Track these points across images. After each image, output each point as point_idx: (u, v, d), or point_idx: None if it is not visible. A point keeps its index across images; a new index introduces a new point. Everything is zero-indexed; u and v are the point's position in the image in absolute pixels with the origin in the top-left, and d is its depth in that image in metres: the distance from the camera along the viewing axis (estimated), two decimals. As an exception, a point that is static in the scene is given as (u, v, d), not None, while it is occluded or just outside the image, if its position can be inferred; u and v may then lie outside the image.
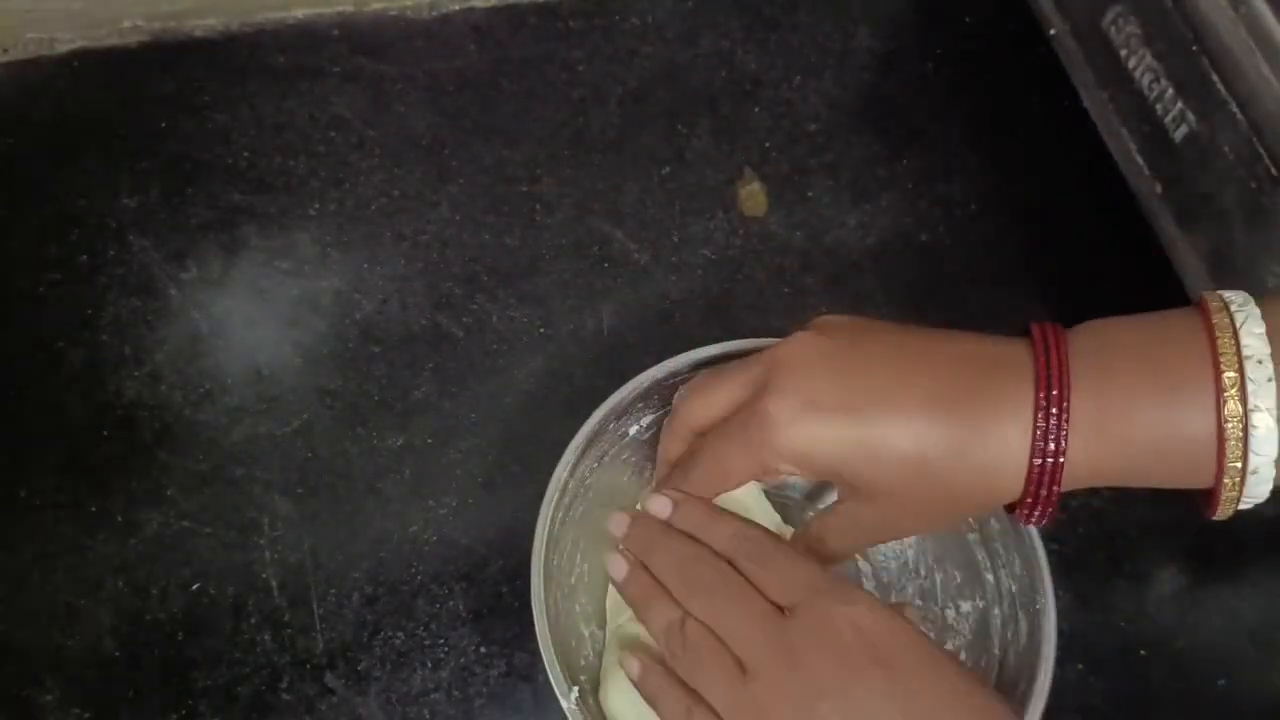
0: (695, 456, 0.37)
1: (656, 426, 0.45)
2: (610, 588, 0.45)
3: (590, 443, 0.42)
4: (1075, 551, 0.50)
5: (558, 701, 0.38)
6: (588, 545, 0.45)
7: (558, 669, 0.37)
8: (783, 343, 0.35)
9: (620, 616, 0.44)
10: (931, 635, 0.45)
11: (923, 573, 0.46)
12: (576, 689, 0.38)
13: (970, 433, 0.31)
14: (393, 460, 0.49)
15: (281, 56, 0.58)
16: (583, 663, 0.43)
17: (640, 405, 0.43)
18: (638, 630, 0.43)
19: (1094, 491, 0.51)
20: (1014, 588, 0.41)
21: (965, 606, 0.44)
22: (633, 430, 0.44)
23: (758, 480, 0.37)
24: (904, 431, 0.32)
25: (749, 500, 0.47)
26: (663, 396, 0.44)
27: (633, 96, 0.59)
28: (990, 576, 0.43)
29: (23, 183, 0.54)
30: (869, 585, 0.47)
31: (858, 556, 0.47)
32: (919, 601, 0.45)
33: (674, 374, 0.42)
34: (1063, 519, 0.50)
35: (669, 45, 0.61)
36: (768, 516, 0.47)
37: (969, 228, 0.57)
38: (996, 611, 0.42)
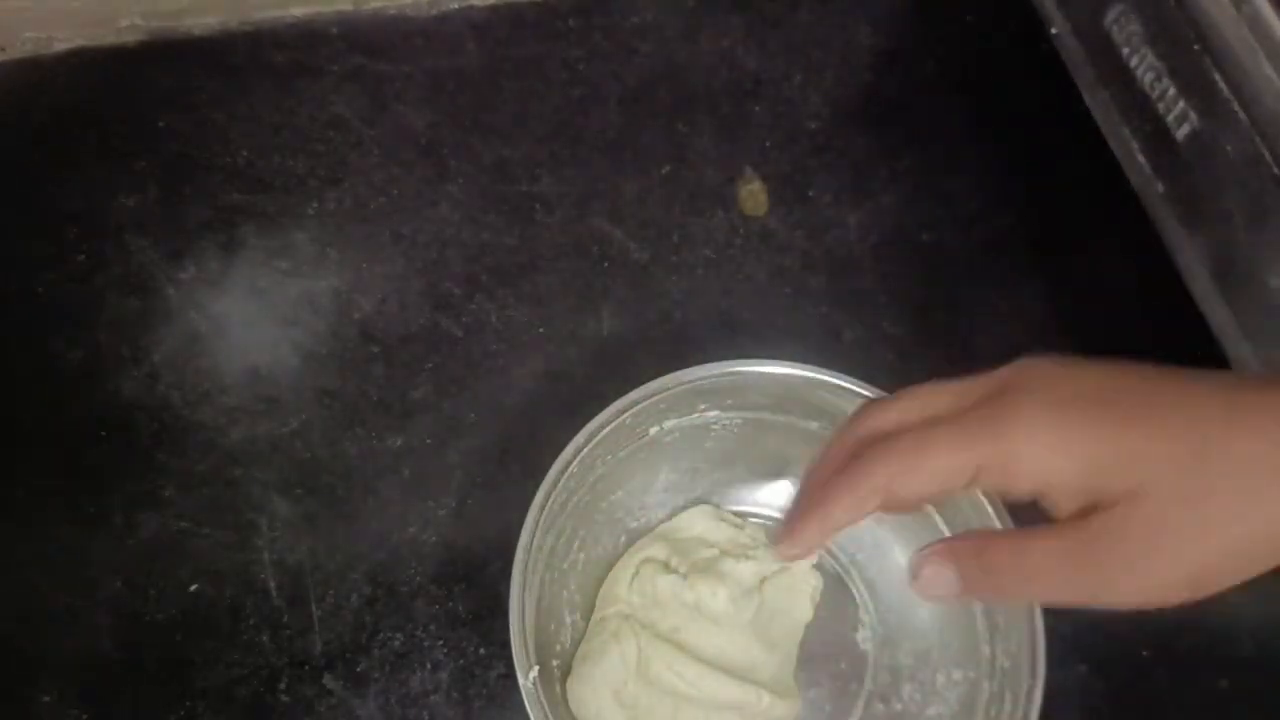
0: (883, 445, 0.31)
1: (679, 431, 0.45)
2: (606, 579, 0.45)
3: (604, 432, 0.41)
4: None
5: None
6: (587, 535, 0.45)
7: (521, 645, 0.37)
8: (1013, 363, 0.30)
9: (607, 608, 0.44)
10: (919, 697, 0.44)
11: (922, 632, 0.45)
12: (537, 669, 0.38)
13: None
14: (392, 461, 0.49)
15: (280, 55, 0.58)
16: (558, 648, 0.43)
17: (665, 407, 0.43)
18: (621, 623, 0.43)
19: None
20: (1007, 664, 0.40)
21: (956, 675, 0.43)
22: (653, 430, 0.44)
23: (952, 493, 0.31)
24: (1189, 429, 0.26)
25: (700, 521, 0.47)
26: (689, 402, 0.43)
27: (633, 96, 0.59)
28: (987, 649, 0.42)
29: (20, 182, 0.54)
30: (866, 632, 0.46)
31: (863, 589, 0.47)
32: (910, 660, 0.45)
33: (707, 379, 0.42)
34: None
35: (669, 45, 0.61)
36: (725, 535, 0.47)
37: (970, 227, 0.57)
38: (986, 685, 0.41)
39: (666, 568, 0.45)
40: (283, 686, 0.45)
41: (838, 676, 0.46)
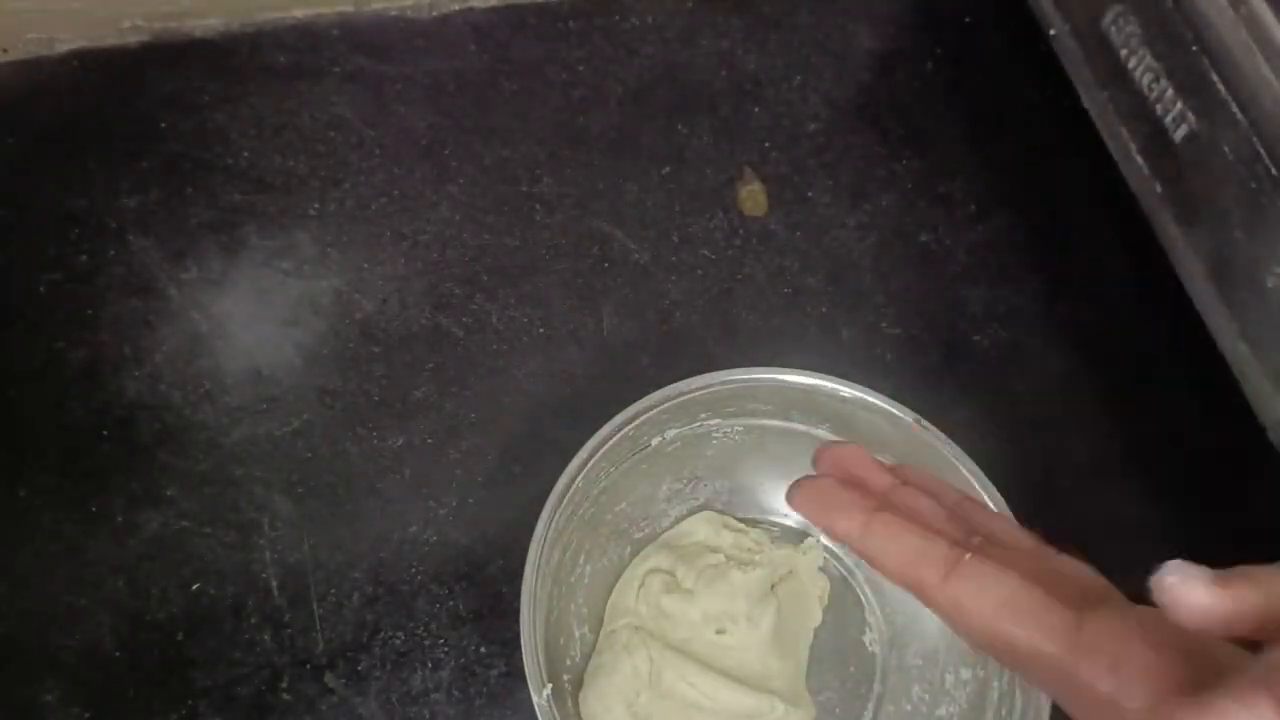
0: None
1: (680, 440, 0.45)
2: (614, 591, 0.45)
3: (607, 446, 0.41)
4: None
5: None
6: (593, 547, 0.45)
7: (534, 662, 0.37)
8: None
9: (616, 621, 0.44)
10: (928, 698, 0.44)
11: (929, 632, 0.45)
12: (550, 686, 0.38)
13: None
14: (393, 460, 0.49)
15: (281, 56, 0.58)
16: (568, 662, 0.43)
17: (666, 418, 0.43)
18: (632, 635, 0.43)
19: (1094, 491, 0.51)
20: None
21: (965, 674, 0.43)
22: (654, 441, 0.44)
23: None
24: None
25: (703, 528, 0.47)
26: (690, 412, 0.43)
27: (633, 96, 0.59)
28: None
29: (22, 182, 0.54)
30: (874, 634, 0.46)
31: (867, 591, 0.47)
32: (918, 661, 0.45)
33: (707, 389, 0.42)
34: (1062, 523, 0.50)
35: (669, 45, 0.61)
36: (729, 541, 0.46)
37: (969, 228, 0.57)
38: (995, 684, 0.41)
39: (672, 577, 0.45)
40: (284, 685, 0.45)
41: (847, 680, 0.46)
